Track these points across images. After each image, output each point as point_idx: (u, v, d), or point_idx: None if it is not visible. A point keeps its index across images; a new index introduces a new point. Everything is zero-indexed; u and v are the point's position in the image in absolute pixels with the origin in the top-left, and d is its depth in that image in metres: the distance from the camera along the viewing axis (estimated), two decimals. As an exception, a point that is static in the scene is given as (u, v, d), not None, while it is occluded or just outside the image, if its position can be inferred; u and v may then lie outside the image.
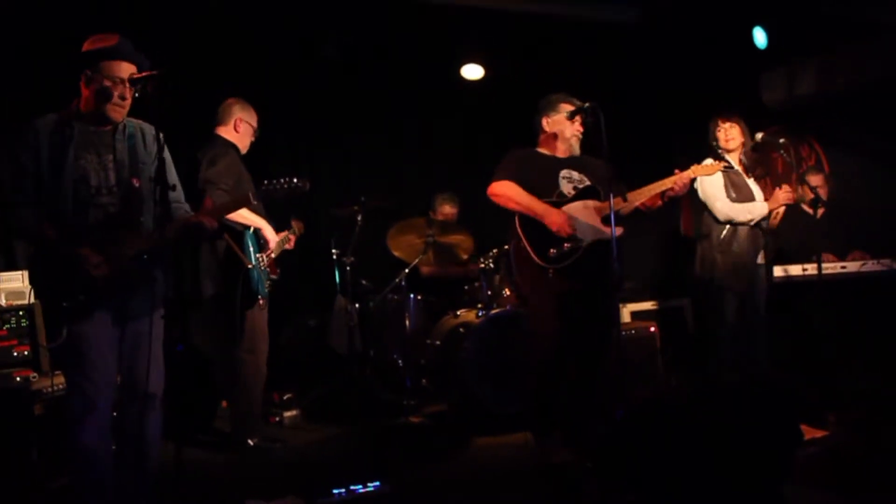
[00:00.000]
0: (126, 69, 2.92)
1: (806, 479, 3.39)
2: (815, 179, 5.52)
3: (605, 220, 3.81)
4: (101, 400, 2.92)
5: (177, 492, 2.83)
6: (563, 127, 3.99)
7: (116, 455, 3.04)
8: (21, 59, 4.68)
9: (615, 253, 3.60)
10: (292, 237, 4.64)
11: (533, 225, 3.82)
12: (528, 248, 3.80)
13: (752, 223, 4.53)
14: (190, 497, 2.96)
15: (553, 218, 3.77)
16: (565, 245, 3.77)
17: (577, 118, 3.98)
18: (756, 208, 4.50)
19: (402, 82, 6.17)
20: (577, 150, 4.03)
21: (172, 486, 2.84)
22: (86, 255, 2.83)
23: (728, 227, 4.48)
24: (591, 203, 3.90)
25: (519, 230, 3.85)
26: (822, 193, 5.40)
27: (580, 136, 3.99)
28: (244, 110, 4.48)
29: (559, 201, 3.88)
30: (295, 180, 3.35)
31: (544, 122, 4.05)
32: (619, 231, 3.64)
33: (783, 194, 4.57)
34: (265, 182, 3.37)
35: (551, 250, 3.76)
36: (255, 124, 4.52)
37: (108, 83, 2.91)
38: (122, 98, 2.94)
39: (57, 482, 3.53)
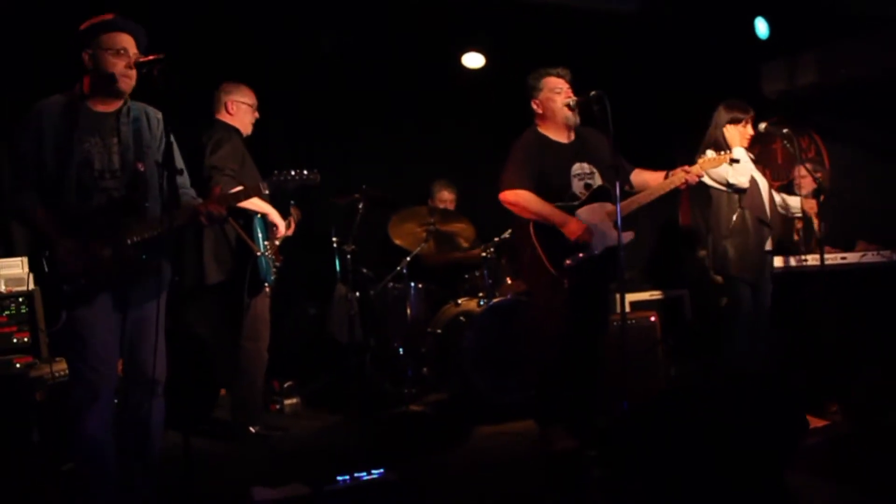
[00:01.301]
0: (126, 40, 2.90)
1: (808, 468, 3.39)
2: (807, 165, 5.50)
3: (617, 225, 3.81)
4: (104, 388, 2.90)
5: (181, 479, 2.81)
6: (553, 103, 3.95)
7: (119, 442, 3.02)
8: (22, 56, 4.65)
9: (622, 255, 3.60)
10: (293, 223, 4.62)
11: (548, 234, 3.81)
12: (544, 258, 3.79)
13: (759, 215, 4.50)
14: (193, 484, 2.93)
15: (572, 228, 3.76)
16: (580, 255, 3.77)
17: (564, 86, 3.93)
18: (737, 152, 4.38)
19: (403, 71, 6.14)
20: (573, 120, 3.96)
21: (178, 474, 2.83)
22: (66, 255, 2.80)
23: (737, 212, 4.45)
24: (602, 206, 3.89)
25: (534, 240, 3.83)
26: (810, 181, 5.37)
27: (574, 103, 3.91)
28: (235, 91, 4.42)
29: (572, 205, 3.87)
30: (305, 172, 3.33)
31: (534, 105, 4.02)
32: (629, 236, 3.63)
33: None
34: (276, 172, 3.34)
35: (567, 261, 3.76)
36: (250, 101, 4.46)
37: (110, 54, 2.87)
38: (129, 67, 2.90)
39: (62, 468, 3.52)
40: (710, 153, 4.36)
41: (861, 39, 5.77)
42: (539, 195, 3.82)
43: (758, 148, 5.11)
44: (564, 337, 3.83)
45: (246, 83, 4.53)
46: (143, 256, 2.92)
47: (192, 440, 4.23)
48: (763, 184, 4.62)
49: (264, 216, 4.31)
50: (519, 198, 3.83)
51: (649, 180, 4.02)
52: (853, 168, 6.17)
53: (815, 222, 5.31)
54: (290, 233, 4.56)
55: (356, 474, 3.39)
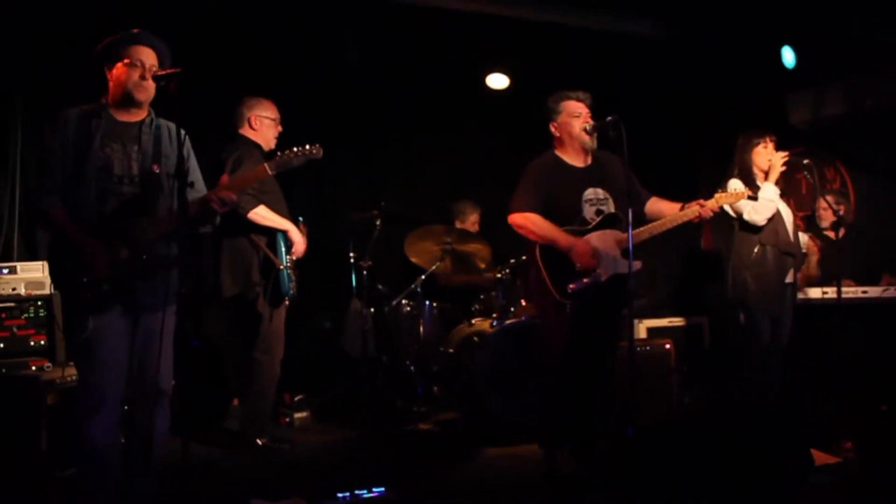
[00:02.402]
0: (145, 52, 2.97)
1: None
2: (829, 198, 5.45)
3: (625, 253, 3.77)
4: (112, 396, 2.92)
5: (182, 488, 2.83)
6: (571, 127, 3.91)
7: (122, 449, 3.05)
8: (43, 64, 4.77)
9: (631, 281, 3.55)
10: (304, 238, 4.65)
11: (553, 257, 3.77)
12: (548, 282, 3.76)
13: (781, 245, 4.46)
14: (195, 494, 2.95)
15: (578, 250, 3.72)
16: (585, 280, 3.74)
17: (583, 110, 3.91)
18: (768, 189, 4.40)
19: (428, 90, 6.18)
20: (591, 145, 3.92)
21: (178, 482, 2.85)
22: (98, 249, 2.84)
23: (758, 246, 4.41)
24: (612, 233, 3.86)
25: (539, 262, 3.81)
26: (831, 214, 5.32)
27: (591, 128, 3.87)
28: (258, 105, 4.46)
29: (581, 229, 3.84)
30: (307, 147, 3.35)
31: (553, 128, 3.99)
32: (637, 265, 3.59)
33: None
34: (279, 153, 3.38)
35: (570, 286, 3.74)
36: (273, 115, 4.49)
37: (125, 65, 2.94)
38: (143, 78, 2.95)
39: (65, 472, 3.56)
40: (734, 183, 4.35)
41: (889, 70, 5.70)
42: (548, 219, 3.80)
43: (782, 178, 5.08)
44: (566, 361, 3.79)
45: (271, 95, 4.57)
46: (151, 260, 2.95)
47: (198, 449, 4.36)
48: (787, 214, 4.58)
49: (286, 232, 4.35)
50: (526, 220, 3.81)
51: (665, 210, 3.98)
52: (879, 200, 6.09)
53: (815, 258, 5.25)
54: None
55: (356, 491, 3.41)
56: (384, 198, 5.44)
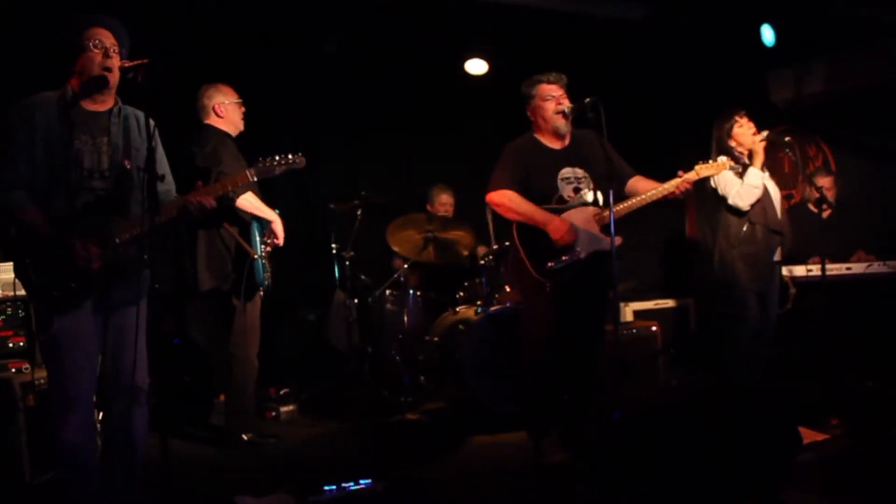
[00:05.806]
0: (102, 34, 2.88)
1: (805, 485, 3.33)
2: (822, 181, 5.44)
3: (605, 229, 3.75)
4: (83, 396, 2.86)
5: (165, 487, 2.77)
6: (544, 110, 3.90)
7: (102, 449, 3.00)
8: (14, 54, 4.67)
9: (615, 263, 3.50)
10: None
11: (531, 236, 3.76)
12: (526, 261, 3.74)
13: (767, 222, 4.44)
14: (179, 492, 2.91)
15: (556, 225, 3.71)
16: (563, 258, 3.71)
17: (556, 92, 3.88)
18: (753, 175, 4.37)
19: (406, 77, 6.12)
20: (565, 129, 3.90)
21: (160, 481, 2.79)
22: (80, 248, 2.76)
23: (747, 224, 4.40)
24: (591, 210, 3.84)
25: (517, 241, 3.80)
26: (830, 195, 5.31)
27: (565, 111, 3.85)
28: (217, 93, 4.38)
29: (559, 207, 3.81)
30: (290, 156, 3.34)
31: (529, 113, 3.99)
32: (617, 240, 3.56)
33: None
34: (261, 159, 3.34)
35: (549, 263, 3.70)
36: (234, 98, 4.40)
37: (86, 49, 2.85)
38: (107, 56, 2.87)
39: (45, 476, 3.51)
40: (722, 159, 4.33)
41: (869, 48, 5.71)
42: (526, 198, 3.78)
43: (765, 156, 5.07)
44: (548, 343, 3.76)
45: (249, 89, 4.50)
46: (144, 256, 2.89)
47: (184, 446, 4.32)
48: (775, 192, 4.57)
49: (261, 220, 4.29)
50: (503, 198, 3.80)
51: (644, 188, 3.95)
52: (861, 177, 6.10)
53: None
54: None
55: (343, 484, 3.38)
56: (365, 187, 5.39)
